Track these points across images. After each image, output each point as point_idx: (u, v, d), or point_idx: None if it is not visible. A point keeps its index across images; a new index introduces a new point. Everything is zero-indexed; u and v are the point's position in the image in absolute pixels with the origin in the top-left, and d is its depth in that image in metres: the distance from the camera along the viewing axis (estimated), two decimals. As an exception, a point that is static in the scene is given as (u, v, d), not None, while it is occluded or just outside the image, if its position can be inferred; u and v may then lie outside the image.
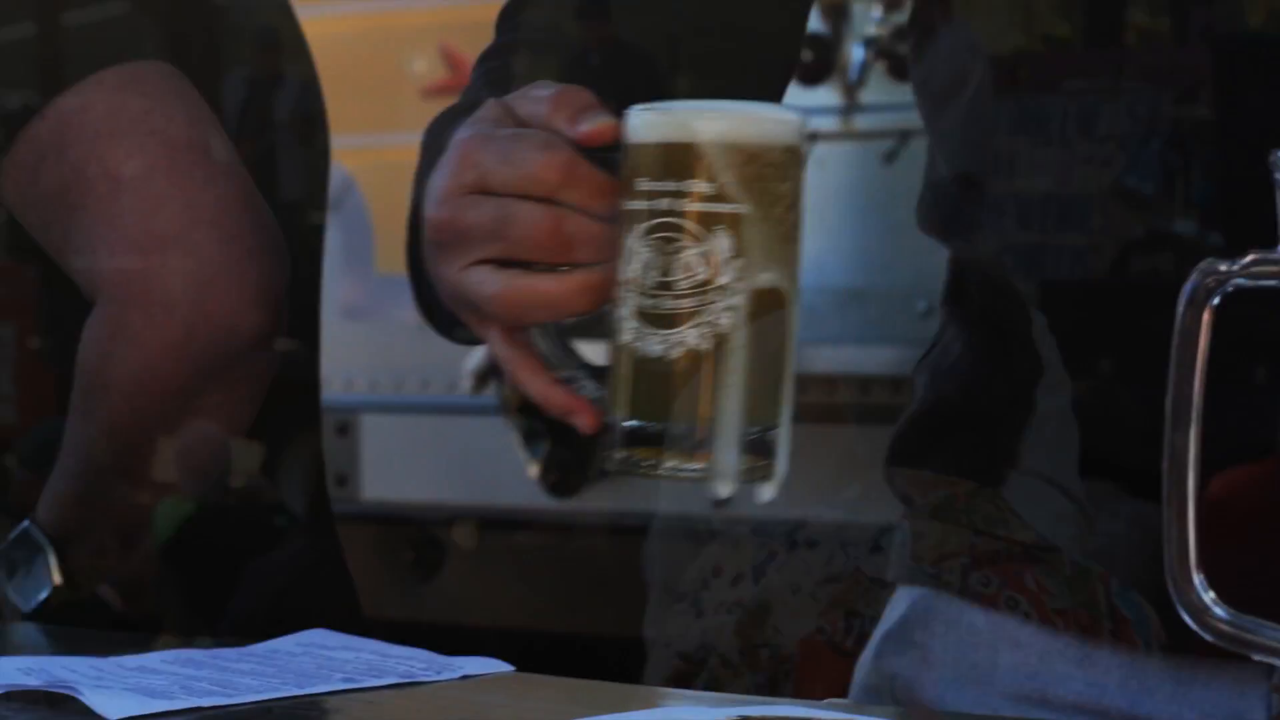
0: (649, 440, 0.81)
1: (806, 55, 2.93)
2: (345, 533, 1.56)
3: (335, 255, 2.74)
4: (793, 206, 0.82)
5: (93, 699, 0.93)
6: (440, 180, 0.88)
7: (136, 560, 1.41)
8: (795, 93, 2.88)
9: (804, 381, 2.79)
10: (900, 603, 1.13)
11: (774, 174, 0.81)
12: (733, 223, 0.80)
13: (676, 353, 0.80)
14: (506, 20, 1.13)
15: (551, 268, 0.85)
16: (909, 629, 1.10)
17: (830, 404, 2.50)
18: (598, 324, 0.86)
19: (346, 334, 2.86)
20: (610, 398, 0.83)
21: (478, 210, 0.86)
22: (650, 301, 0.81)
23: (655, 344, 0.81)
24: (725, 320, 0.80)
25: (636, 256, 0.81)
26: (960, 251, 1.13)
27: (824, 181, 2.89)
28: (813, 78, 2.88)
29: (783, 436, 0.82)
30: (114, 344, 1.33)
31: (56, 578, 1.36)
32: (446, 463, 2.87)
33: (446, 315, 0.94)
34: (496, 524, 2.73)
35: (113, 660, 1.04)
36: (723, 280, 0.80)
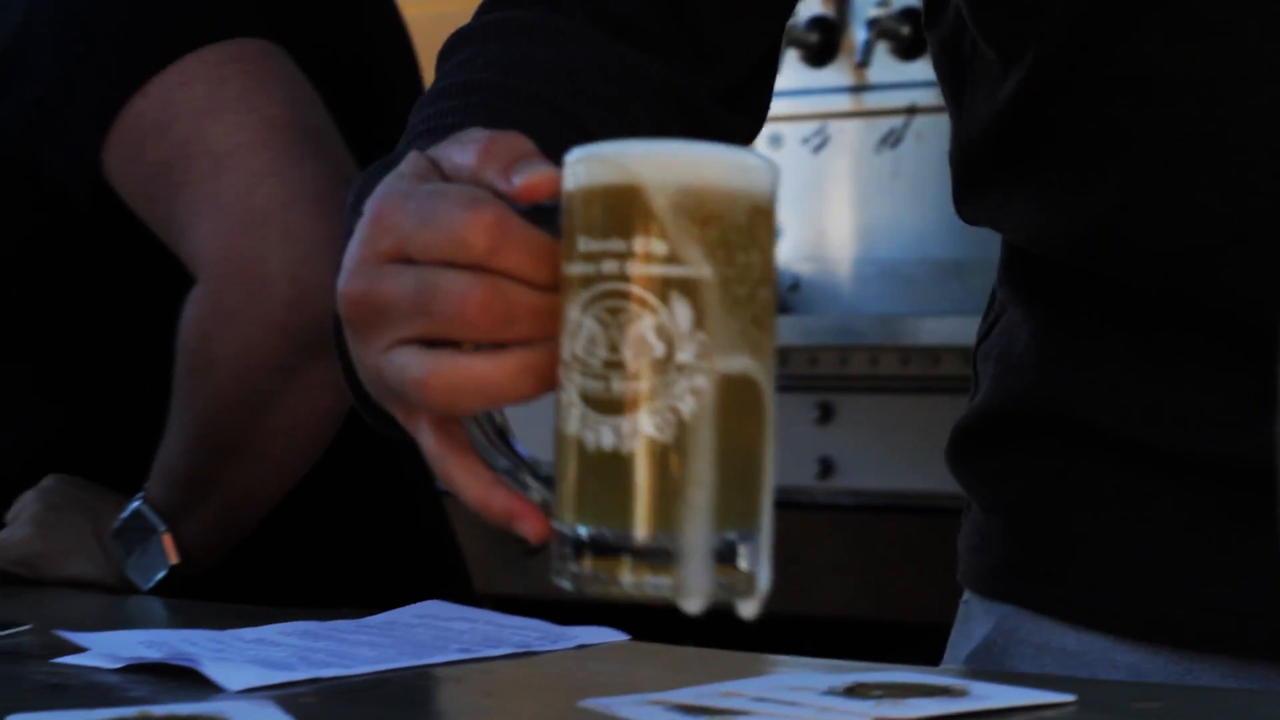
0: (604, 549, 0.67)
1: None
2: (452, 508, 1.56)
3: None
4: (763, 282, 0.68)
5: (213, 671, 0.94)
6: (354, 248, 0.75)
7: (250, 536, 1.42)
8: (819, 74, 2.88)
9: (907, 353, 2.79)
10: (979, 618, 1.10)
11: (739, 238, 0.67)
12: (692, 289, 0.66)
13: (632, 445, 0.66)
14: (445, 60, 1.02)
15: (486, 346, 0.72)
16: (994, 653, 1.07)
17: (935, 375, 2.48)
18: (540, 410, 0.73)
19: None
20: (556, 499, 0.70)
21: (397, 281, 0.73)
22: (598, 384, 0.67)
23: (607, 434, 0.67)
24: (688, 405, 0.66)
25: (581, 330, 0.68)
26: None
27: (923, 153, 2.87)
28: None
29: (763, 544, 0.68)
30: (215, 321, 1.34)
31: (173, 557, 1.38)
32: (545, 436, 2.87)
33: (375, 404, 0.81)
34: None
35: (231, 633, 1.05)
36: (683, 357, 0.66)
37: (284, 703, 0.86)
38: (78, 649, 1.03)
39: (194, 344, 1.36)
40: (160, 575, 1.39)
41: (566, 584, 0.67)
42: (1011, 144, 1.04)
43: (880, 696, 0.83)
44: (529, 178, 0.73)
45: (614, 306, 0.67)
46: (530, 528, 0.72)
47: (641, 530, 0.66)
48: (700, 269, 0.66)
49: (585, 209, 0.68)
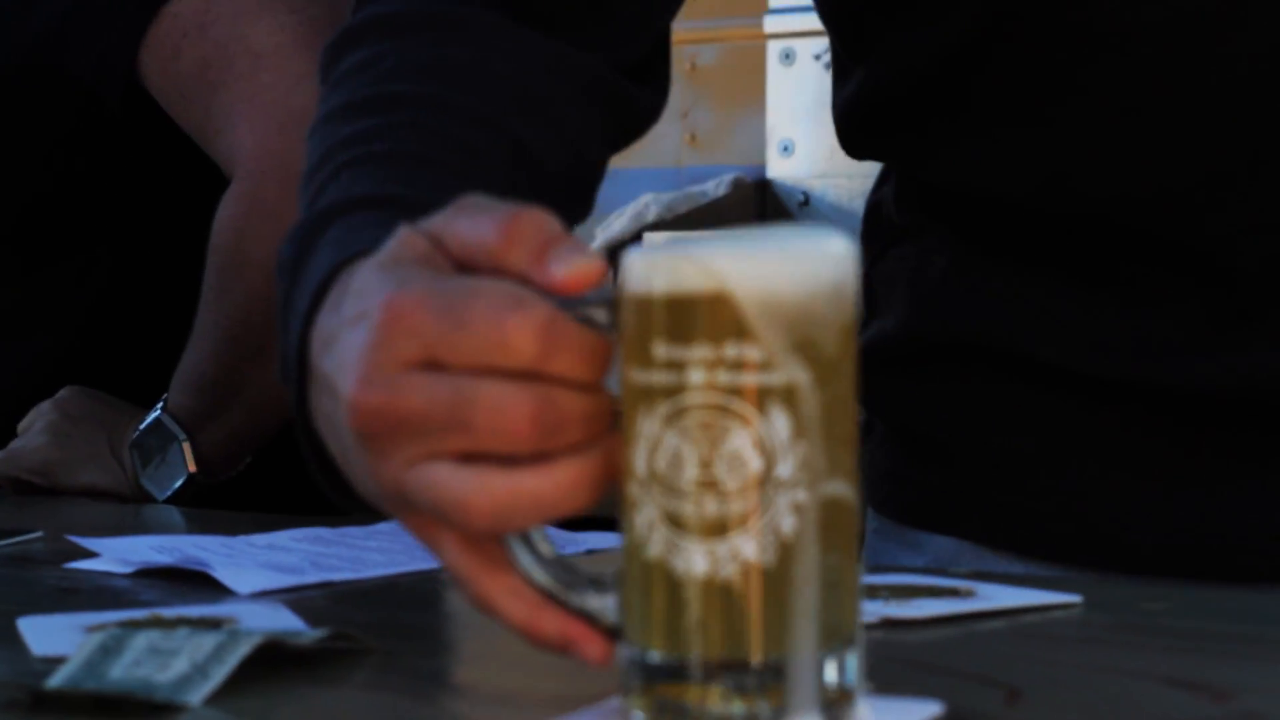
0: (689, 676, 0.61)
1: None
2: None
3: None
4: (849, 378, 0.63)
5: (224, 575, 0.94)
6: (367, 352, 0.64)
7: (269, 442, 1.43)
8: None
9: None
10: (908, 548, 1.09)
11: (828, 335, 0.62)
12: (789, 397, 0.61)
13: (729, 570, 0.61)
14: (335, 62, 0.93)
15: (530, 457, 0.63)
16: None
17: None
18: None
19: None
20: (633, 623, 0.63)
21: (428, 393, 0.63)
22: (687, 505, 0.61)
23: (699, 559, 0.61)
24: (789, 524, 0.61)
25: (661, 446, 0.62)
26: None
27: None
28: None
29: (859, 655, 0.63)
30: (251, 219, 1.34)
31: (191, 465, 1.38)
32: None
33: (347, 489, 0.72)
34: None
35: (242, 539, 1.06)
36: (781, 472, 0.61)
37: (295, 606, 0.86)
38: (89, 554, 1.03)
39: (229, 242, 1.36)
40: (177, 484, 1.39)
41: (640, 715, 0.62)
42: (957, 89, 1.02)
43: (887, 597, 0.83)
44: (572, 268, 0.64)
45: (704, 420, 0.61)
46: (593, 650, 0.65)
47: (742, 657, 0.61)
48: (796, 374, 0.61)
49: (665, 313, 0.61)
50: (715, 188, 3.02)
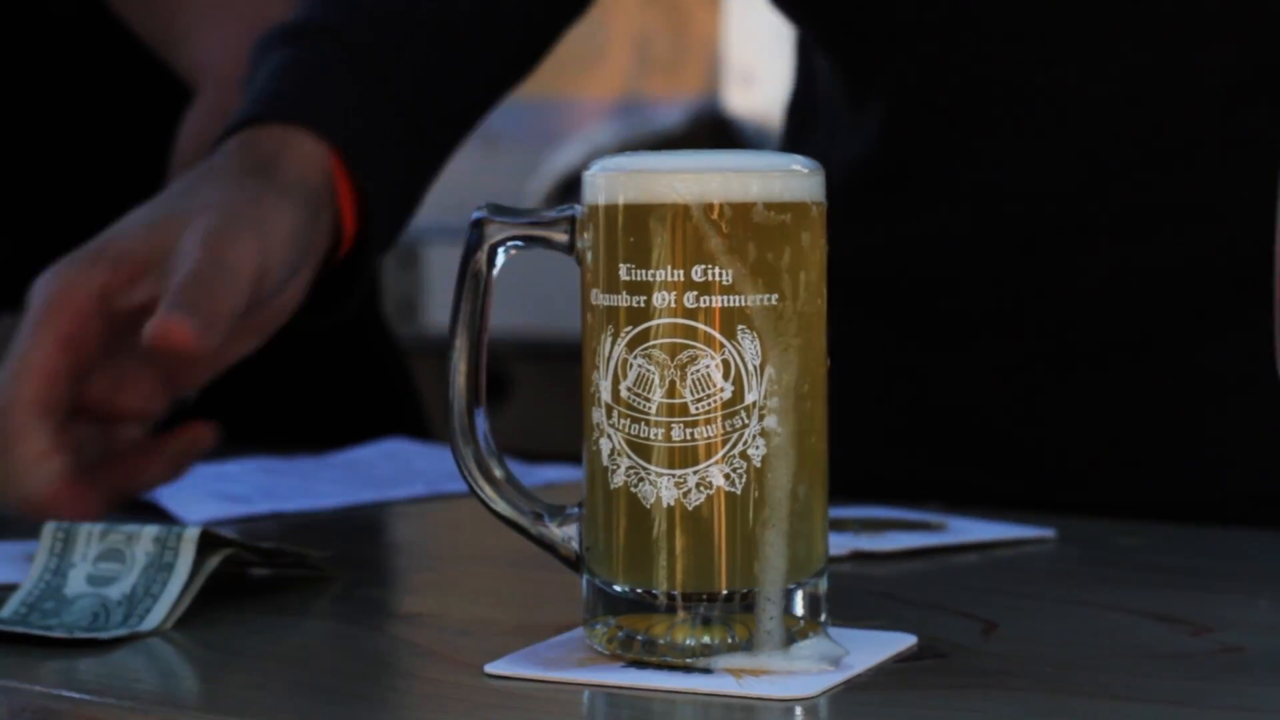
0: (656, 607, 0.60)
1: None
2: (413, 363, 1.54)
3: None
4: (818, 295, 0.61)
5: (171, 503, 0.92)
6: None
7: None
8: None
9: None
10: None
11: (797, 256, 0.60)
12: (761, 319, 0.59)
13: (697, 499, 0.59)
14: None
15: None
16: None
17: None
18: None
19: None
20: (596, 554, 0.61)
21: None
22: (654, 431, 0.59)
23: (666, 488, 0.59)
24: (759, 450, 0.59)
25: (629, 370, 0.59)
26: None
27: None
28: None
29: (825, 584, 0.62)
30: (215, 126, 1.31)
31: None
32: (514, 291, 2.84)
33: None
34: (568, 356, 2.73)
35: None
36: (751, 397, 0.59)
37: (246, 536, 0.84)
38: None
39: (192, 151, 1.32)
40: None
41: (600, 647, 0.60)
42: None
43: (857, 530, 0.81)
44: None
45: (671, 344, 0.59)
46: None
47: (708, 588, 0.59)
48: (766, 294, 0.59)
49: (626, 233, 0.60)
50: (671, 118, 2.99)
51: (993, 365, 0.98)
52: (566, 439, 1.01)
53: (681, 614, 0.60)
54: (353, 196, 0.87)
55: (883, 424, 1.02)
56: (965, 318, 0.99)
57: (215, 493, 0.95)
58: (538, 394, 2.70)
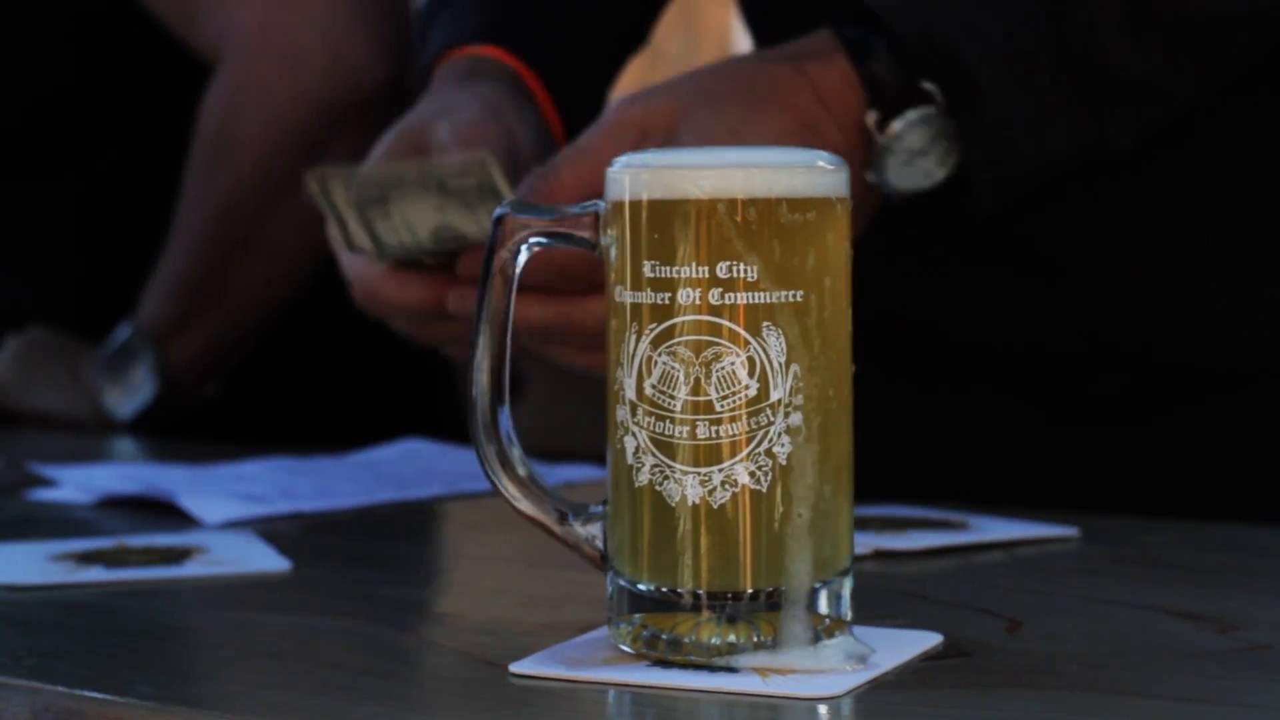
0: (680, 606, 0.59)
1: None
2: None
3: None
4: (844, 294, 0.60)
5: (191, 504, 0.91)
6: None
7: (243, 354, 1.39)
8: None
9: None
10: None
11: (822, 255, 0.59)
12: (786, 316, 0.59)
13: (722, 497, 0.58)
14: None
15: None
16: None
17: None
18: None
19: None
20: (621, 553, 0.61)
21: None
22: (679, 429, 0.59)
23: (692, 486, 0.59)
24: (784, 448, 0.59)
25: (650, 369, 0.59)
26: None
27: None
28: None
29: (849, 582, 0.61)
30: (242, 97, 1.31)
31: (158, 382, 1.34)
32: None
33: None
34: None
35: (209, 468, 1.03)
36: (777, 394, 0.59)
37: (265, 536, 0.84)
38: (49, 484, 1.00)
39: (216, 124, 1.32)
40: (141, 402, 1.34)
41: (625, 646, 0.60)
42: None
43: (879, 529, 0.81)
44: None
45: (697, 340, 0.58)
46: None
47: (734, 587, 0.59)
48: (790, 292, 0.59)
49: (650, 230, 0.59)
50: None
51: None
52: (579, 438, 1.00)
53: (707, 613, 0.59)
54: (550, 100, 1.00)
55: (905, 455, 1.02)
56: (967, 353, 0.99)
57: (234, 493, 0.95)
58: (550, 393, 2.70)
